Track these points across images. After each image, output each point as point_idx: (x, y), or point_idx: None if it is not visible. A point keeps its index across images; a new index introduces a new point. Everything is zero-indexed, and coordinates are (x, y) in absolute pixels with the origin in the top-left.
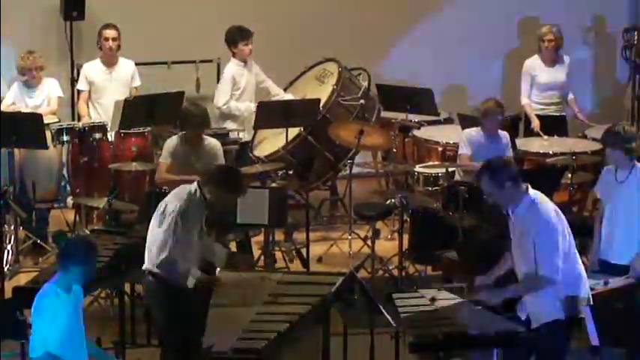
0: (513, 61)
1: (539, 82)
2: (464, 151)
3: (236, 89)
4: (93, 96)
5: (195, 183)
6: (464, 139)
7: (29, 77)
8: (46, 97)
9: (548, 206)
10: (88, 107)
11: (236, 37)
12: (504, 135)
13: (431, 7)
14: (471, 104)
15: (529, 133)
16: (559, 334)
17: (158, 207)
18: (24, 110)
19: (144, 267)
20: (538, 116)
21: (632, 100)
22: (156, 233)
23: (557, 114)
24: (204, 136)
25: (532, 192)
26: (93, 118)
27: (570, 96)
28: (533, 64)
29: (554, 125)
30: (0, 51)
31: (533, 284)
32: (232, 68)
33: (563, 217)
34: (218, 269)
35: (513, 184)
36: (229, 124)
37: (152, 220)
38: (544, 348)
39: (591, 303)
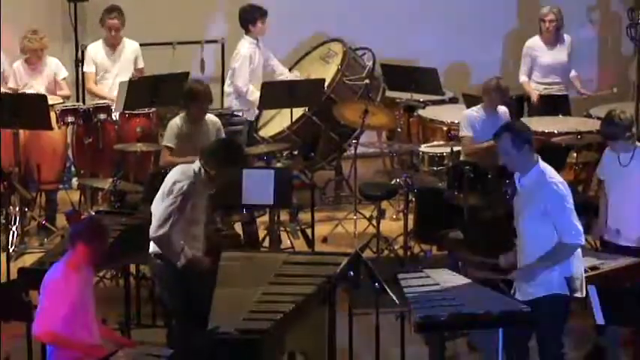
0: (513, 42)
1: (541, 64)
2: (465, 132)
3: (250, 68)
4: (97, 76)
5: (198, 161)
6: (464, 121)
7: (34, 57)
8: (50, 78)
9: (556, 178)
10: (96, 87)
11: (256, 15)
12: (504, 111)
13: None
14: (473, 84)
15: (534, 111)
16: (556, 309)
17: (164, 183)
18: (29, 92)
19: (150, 250)
20: (541, 96)
21: (637, 79)
22: (160, 209)
23: (560, 93)
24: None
25: (542, 164)
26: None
27: (573, 73)
28: (534, 44)
29: (557, 105)
30: (0, 29)
31: (562, 253)
32: (248, 46)
33: (569, 191)
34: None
35: (529, 150)
36: (235, 104)
37: (157, 197)
38: (544, 324)
39: (583, 282)
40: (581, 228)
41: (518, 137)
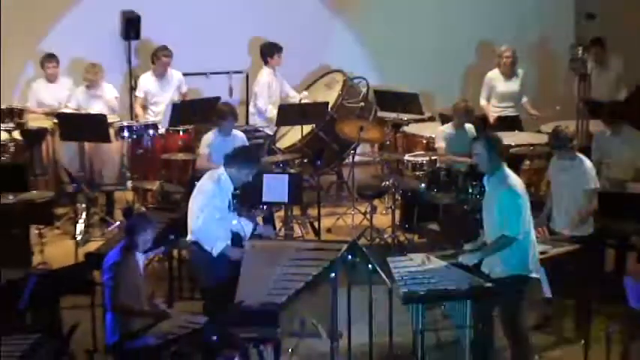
0: (473, 76)
1: (498, 92)
2: (438, 144)
3: (268, 92)
4: (148, 101)
5: (222, 167)
6: (438, 135)
7: (92, 84)
8: (105, 100)
9: (517, 181)
10: (143, 110)
11: (273, 50)
12: (470, 127)
13: (414, 34)
14: (444, 105)
15: (492, 129)
16: (516, 287)
17: (196, 187)
18: (92, 112)
19: (188, 238)
20: (498, 117)
21: (578, 103)
22: (193, 208)
23: (513, 114)
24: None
25: (508, 170)
26: (149, 118)
27: (524, 99)
28: (494, 76)
29: (511, 123)
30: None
31: (500, 244)
32: (267, 75)
33: (526, 195)
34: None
35: (499, 154)
36: (258, 122)
37: (191, 198)
38: (505, 298)
39: (538, 264)
40: (521, 226)
41: (491, 144)
